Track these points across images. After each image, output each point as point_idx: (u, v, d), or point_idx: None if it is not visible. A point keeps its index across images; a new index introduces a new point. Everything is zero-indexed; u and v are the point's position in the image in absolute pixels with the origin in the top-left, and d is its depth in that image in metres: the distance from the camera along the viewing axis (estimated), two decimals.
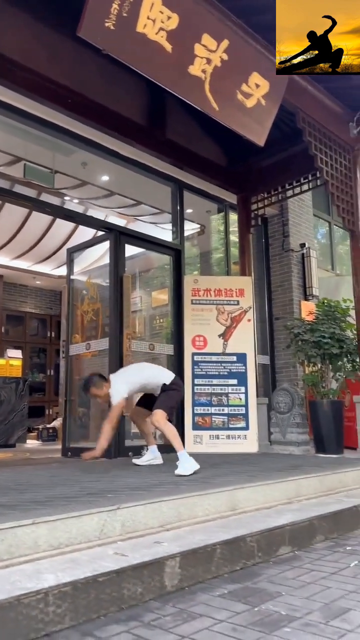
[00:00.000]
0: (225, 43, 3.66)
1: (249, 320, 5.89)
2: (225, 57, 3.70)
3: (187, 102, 3.71)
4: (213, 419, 5.56)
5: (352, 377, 5.38)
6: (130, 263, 6.84)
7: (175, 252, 6.10)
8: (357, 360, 5.23)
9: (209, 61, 3.63)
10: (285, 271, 7.30)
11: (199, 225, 7.66)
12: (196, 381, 5.62)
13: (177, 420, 5.67)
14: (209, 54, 3.61)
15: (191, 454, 5.27)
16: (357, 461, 4.63)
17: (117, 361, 5.10)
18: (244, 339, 5.82)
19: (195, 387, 5.61)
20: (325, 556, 2.58)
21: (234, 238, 7.03)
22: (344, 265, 8.73)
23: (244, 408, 5.63)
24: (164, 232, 6.57)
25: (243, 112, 3.97)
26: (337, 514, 3.10)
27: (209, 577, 2.23)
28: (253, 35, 4.05)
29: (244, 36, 3.90)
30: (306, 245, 7.25)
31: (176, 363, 5.77)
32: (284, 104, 4.82)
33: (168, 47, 3.37)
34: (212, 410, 5.58)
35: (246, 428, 5.57)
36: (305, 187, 6.09)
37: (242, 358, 5.74)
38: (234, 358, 5.74)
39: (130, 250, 6.22)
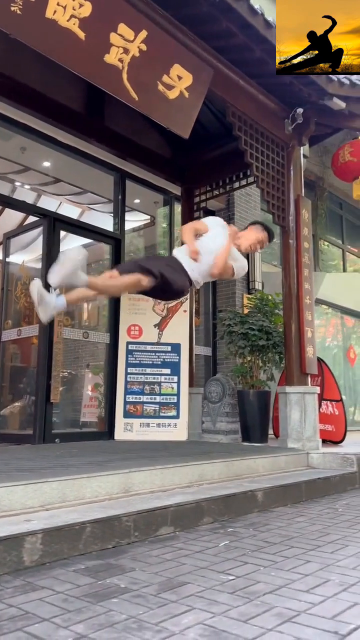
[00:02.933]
0: (143, 33, 3.69)
1: (185, 311, 5.97)
2: (143, 47, 3.72)
3: (105, 90, 3.72)
4: (144, 407, 5.64)
5: (278, 369, 5.52)
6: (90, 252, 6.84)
7: (115, 241, 6.12)
8: (283, 352, 5.36)
9: (126, 51, 3.65)
10: None
11: (148, 216, 7.70)
12: (129, 370, 5.68)
13: (108, 407, 5.74)
14: (126, 44, 3.63)
15: (121, 442, 5.36)
16: (274, 449, 4.77)
17: (46, 348, 5.12)
18: (179, 329, 5.90)
19: (128, 376, 5.67)
20: (202, 537, 2.67)
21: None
22: None
23: (175, 397, 5.73)
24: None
25: (165, 103, 4.00)
26: (230, 497, 3.20)
27: (76, 554, 2.30)
28: (178, 26, 4.09)
29: (166, 27, 3.93)
30: None
31: (112, 351, 5.82)
32: (213, 98, 4.88)
33: (81, 34, 3.38)
34: (144, 398, 5.66)
35: (177, 417, 5.66)
36: (244, 182, 6.18)
37: (176, 348, 5.83)
38: (169, 348, 5.82)
39: (80, 240, 6.26)
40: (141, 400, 5.64)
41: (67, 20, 3.26)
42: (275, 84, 5.01)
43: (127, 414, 5.57)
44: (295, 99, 5.26)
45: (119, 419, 5.54)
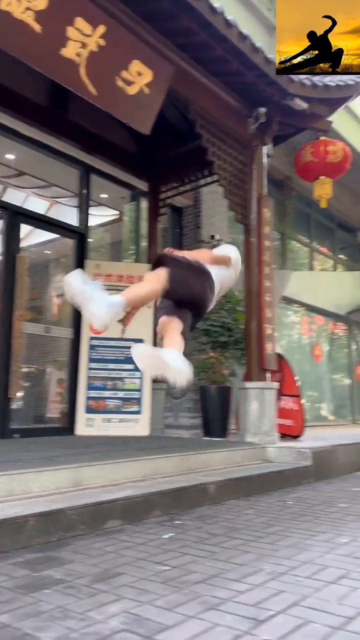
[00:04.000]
0: (101, 28, 3.68)
1: (148, 307, 5.97)
2: (102, 42, 3.71)
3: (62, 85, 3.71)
4: (106, 402, 5.64)
5: (239, 365, 5.59)
6: (51, 247, 6.81)
7: (79, 235, 6.09)
8: (244, 349, 5.43)
9: (84, 45, 3.63)
10: None
11: (117, 212, 7.67)
12: (92, 365, 5.68)
13: (69, 404, 5.72)
14: (83, 38, 3.62)
15: (82, 437, 5.35)
16: (232, 443, 4.84)
17: (6, 344, 5.08)
18: (143, 325, 5.90)
19: (90, 371, 5.66)
20: (149, 529, 2.71)
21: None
22: None
23: (138, 393, 5.75)
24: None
25: (125, 99, 4.01)
26: (180, 490, 3.25)
27: (17, 547, 2.31)
28: (139, 22, 4.09)
29: (126, 22, 3.93)
30: (216, 237, 7.41)
31: (75, 347, 5.80)
32: (175, 95, 4.90)
33: (37, 27, 3.35)
34: (106, 394, 5.66)
35: (139, 412, 5.68)
36: (209, 179, 6.22)
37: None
38: (132, 344, 5.81)
39: (43, 234, 6.23)
40: (103, 395, 5.65)
41: (22, 12, 3.23)
42: (238, 83, 5.06)
43: (89, 410, 5.56)
44: (258, 99, 5.31)
45: (81, 415, 5.53)
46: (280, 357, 5.90)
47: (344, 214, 12.47)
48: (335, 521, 2.93)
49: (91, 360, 5.69)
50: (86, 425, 5.51)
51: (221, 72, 4.90)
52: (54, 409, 6.17)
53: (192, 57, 4.65)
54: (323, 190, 5.73)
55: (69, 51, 3.57)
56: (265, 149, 5.66)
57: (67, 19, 3.48)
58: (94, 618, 1.54)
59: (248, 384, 5.11)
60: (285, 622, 1.51)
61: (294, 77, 5.11)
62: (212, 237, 7.44)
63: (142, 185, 6.81)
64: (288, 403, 5.88)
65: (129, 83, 3.99)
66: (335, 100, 5.72)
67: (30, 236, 6.21)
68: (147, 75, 4.07)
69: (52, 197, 6.39)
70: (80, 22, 3.55)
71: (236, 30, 4.32)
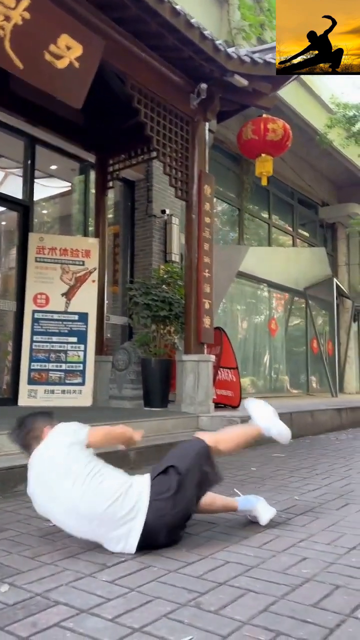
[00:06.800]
0: (25, 1, 3.65)
1: (93, 281, 6.08)
2: (27, 15, 3.68)
3: None
4: (50, 374, 5.77)
5: (180, 339, 5.77)
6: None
7: (23, 208, 6.10)
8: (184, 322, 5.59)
9: (7, 18, 3.60)
10: (148, 236, 7.51)
11: (68, 184, 7.65)
12: (35, 338, 5.77)
13: (12, 375, 5.83)
14: (7, 11, 3.58)
15: (24, 407, 5.47)
16: (166, 413, 5.06)
17: None
18: (88, 298, 6.01)
19: (34, 344, 5.76)
20: None
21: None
22: (217, 237, 9.10)
23: (81, 365, 5.89)
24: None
25: (54, 73, 3.99)
26: (99, 455, 3.43)
27: None
28: None
29: None
30: (167, 212, 7.48)
31: (18, 319, 5.88)
32: (110, 69, 4.90)
33: None
34: (50, 366, 5.78)
35: (82, 384, 5.84)
36: (154, 153, 6.24)
37: (83, 317, 5.95)
38: (76, 317, 5.93)
39: None
40: (47, 367, 5.77)
41: None
42: (175, 59, 5.06)
43: (31, 381, 5.68)
44: (199, 75, 5.32)
45: (23, 386, 5.65)
46: (220, 330, 6.10)
47: (305, 190, 12.63)
48: (237, 483, 3.15)
49: (35, 333, 5.78)
50: (28, 396, 5.63)
51: (158, 47, 4.89)
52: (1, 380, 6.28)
53: (128, 31, 4.64)
54: (264, 167, 5.83)
55: None
56: (207, 125, 5.71)
57: None
58: None
59: (185, 357, 5.29)
60: None
61: (233, 53, 5.15)
62: (163, 211, 7.52)
63: (91, 158, 6.80)
64: (228, 375, 6.11)
65: (58, 57, 3.98)
66: (278, 77, 5.77)
67: None
68: (77, 50, 4.06)
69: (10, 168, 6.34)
70: None
71: (168, 6, 4.33)
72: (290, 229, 12.50)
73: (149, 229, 7.52)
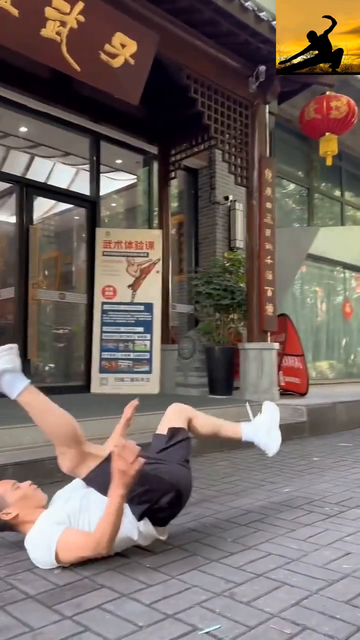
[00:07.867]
0: (79, 5, 3.76)
1: (157, 271, 6.21)
2: (81, 18, 3.80)
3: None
4: (119, 363, 6.01)
5: (239, 327, 5.76)
6: (67, 216, 7.10)
7: (90, 204, 6.33)
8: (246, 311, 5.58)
9: (63, 23, 3.74)
10: (211, 224, 7.51)
11: (134, 177, 7.82)
12: (104, 328, 6.03)
13: (85, 364, 6.13)
14: (62, 17, 3.72)
15: (97, 395, 5.76)
16: (229, 400, 5.11)
17: (22, 308, 5.50)
18: (152, 289, 6.16)
19: (104, 334, 6.02)
20: None
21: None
22: (286, 219, 8.90)
23: (148, 354, 6.07)
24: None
25: (110, 72, 4.10)
26: None
27: None
28: None
29: None
30: (230, 198, 7.43)
31: (89, 312, 6.16)
32: (166, 62, 4.92)
33: (14, 12, 3.49)
34: (119, 355, 6.02)
35: (149, 372, 6.03)
36: (213, 142, 6.20)
37: (149, 307, 6.12)
38: (142, 307, 6.11)
39: (62, 206, 6.55)
40: (115, 357, 6.01)
41: None
42: (231, 44, 5.00)
43: (102, 370, 5.96)
44: (257, 57, 5.21)
45: (95, 374, 5.94)
46: (284, 317, 6.02)
47: None
48: (297, 473, 3.15)
49: (104, 324, 6.03)
50: (100, 384, 5.92)
51: (213, 34, 4.86)
52: (71, 370, 6.63)
53: (182, 21, 4.64)
54: (328, 147, 5.62)
55: (49, 31, 3.70)
56: (267, 108, 5.58)
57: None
58: None
59: (248, 345, 5.30)
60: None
61: None
62: (226, 198, 7.48)
63: (153, 149, 6.89)
64: (294, 362, 6.03)
65: (113, 56, 4.08)
66: None
67: (45, 207, 6.53)
68: (131, 46, 4.14)
69: (67, 164, 6.60)
70: (57, 1, 3.66)
71: None
72: None
73: (213, 216, 7.52)
